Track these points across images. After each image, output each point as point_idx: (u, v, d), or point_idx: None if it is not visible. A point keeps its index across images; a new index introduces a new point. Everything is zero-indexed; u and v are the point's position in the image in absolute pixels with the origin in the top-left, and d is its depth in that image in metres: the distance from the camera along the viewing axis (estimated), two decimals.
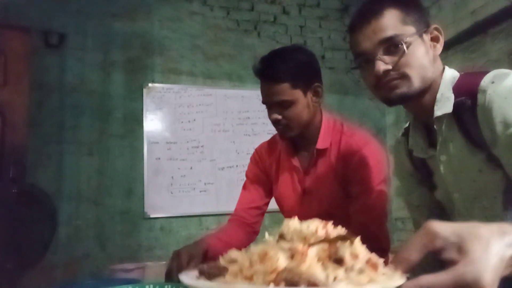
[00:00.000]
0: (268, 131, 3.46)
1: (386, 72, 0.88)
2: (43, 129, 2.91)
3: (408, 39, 0.87)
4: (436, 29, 0.92)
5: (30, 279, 2.54)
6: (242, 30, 3.55)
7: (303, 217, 1.37)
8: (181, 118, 3.27)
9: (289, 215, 1.41)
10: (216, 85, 3.41)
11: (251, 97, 3.46)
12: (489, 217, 0.88)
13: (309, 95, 1.26)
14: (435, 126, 0.91)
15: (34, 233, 2.67)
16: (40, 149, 2.88)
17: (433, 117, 0.90)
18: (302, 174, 1.33)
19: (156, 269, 2.41)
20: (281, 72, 1.21)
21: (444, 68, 0.94)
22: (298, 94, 1.23)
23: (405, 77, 0.88)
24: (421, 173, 1.03)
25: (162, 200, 3.11)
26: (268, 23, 3.64)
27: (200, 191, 3.21)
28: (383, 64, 0.88)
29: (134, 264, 2.41)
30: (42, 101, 2.93)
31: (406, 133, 1.04)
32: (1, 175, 2.52)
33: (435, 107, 0.89)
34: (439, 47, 0.92)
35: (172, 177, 3.18)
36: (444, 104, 0.88)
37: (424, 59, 0.89)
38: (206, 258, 1.35)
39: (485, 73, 0.85)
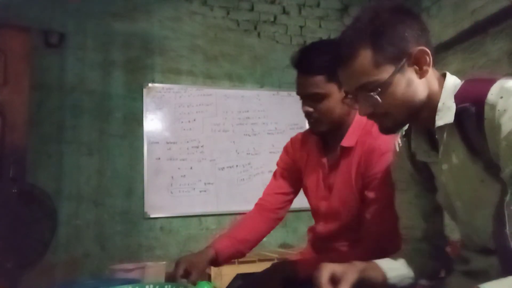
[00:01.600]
0: (268, 131, 3.46)
1: (369, 113, 0.89)
2: (43, 129, 2.91)
3: (383, 82, 0.84)
4: (421, 51, 0.85)
5: (30, 279, 2.54)
6: (242, 30, 3.55)
7: (325, 215, 1.35)
8: (181, 118, 3.27)
9: (314, 211, 1.39)
10: (216, 85, 3.41)
11: (251, 97, 3.46)
12: (491, 226, 0.85)
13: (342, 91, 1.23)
14: (436, 136, 0.90)
15: (34, 233, 2.68)
16: (40, 149, 2.88)
17: (434, 126, 0.88)
18: (327, 171, 1.31)
19: (156, 269, 2.41)
20: (317, 64, 1.19)
21: (445, 74, 0.91)
22: (332, 88, 1.20)
23: (388, 114, 0.88)
24: (422, 176, 1.01)
25: (162, 200, 3.11)
26: (268, 23, 3.64)
27: (200, 191, 3.20)
28: (364, 107, 0.88)
29: (134, 264, 2.40)
30: (42, 101, 2.93)
31: (406, 134, 1.03)
32: (1, 175, 2.52)
33: (437, 117, 0.88)
34: (426, 67, 0.87)
35: (172, 177, 3.18)
36: (446, 114, 0.86)
37: (406, 92, 0.86)
38: (217, 263, 1.36)
39: (489, 81, 0.83)
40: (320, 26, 3.80)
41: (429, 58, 0.86)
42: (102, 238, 2.95)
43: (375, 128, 1.21)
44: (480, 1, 2.55)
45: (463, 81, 0.90)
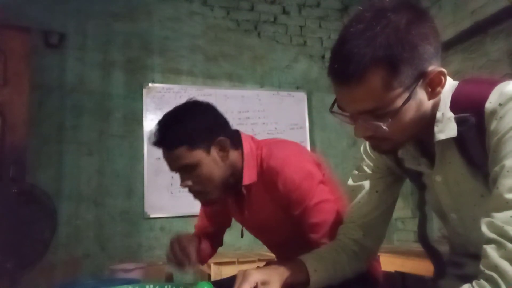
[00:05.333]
0: (268, 131, 3.46)
1: (366, 136, 0.80)
2: (43, 129, 2.91)
3: (393, 110, 0.72)
4: (439, 74, 0.74)
5: (30, 279, 2.54)
6: (242, 30, 3.55)
7: (268, 244, 1.40)
8: None
9: (260, 240, 1.42)
10: (216, 85, 3.41)
11: (251, 97, 3.46)
12: None
13: (214, 151, 1.16)
14: (435, 149, 0.82)
15: (34, 233, 2.67)
16: (40, 149, 2.88)
17: (432, 138, 0.79)
18: (242, 211, 1.28)
19: (156, 269, 2.41)
20: (174, 137, 1.12)
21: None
22: (199, 154, 1.13)
23: (388, 139, 0.79)
24: (407, 173, 0.96)
25: (162, 200, 3.11)
26: (268, 23, 3.64)
27: None
28: (362, 131, 0.78)
29: (134, 264, 2.41)
30: (42, 101, 2.93)
31: None
32: (1, 175, 2.52)
33: (436, 128, 0.78)
34: (440, 89, 0.76)
35: (172, 177, 3.17)
36: (446, 126, 0.77)
37: (415, 118, 0.76)
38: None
39: (487, 85, 0.76)
40: (320, 26, 3.80)
41: (445, 79, 0.75)
42: (102, 238, 2.95)
43: (264, 150, 1.19)
44: (480, 1, 2.55)
45: (458, 83, 0.82)
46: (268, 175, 1.16)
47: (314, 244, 1.10)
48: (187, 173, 1.15)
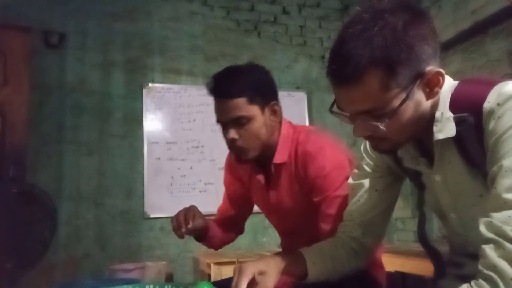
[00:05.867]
0: None
1: (365, 136, 0.81)
2: (43, 129, 2.91)
3: (390, 110, 0.73)
4: (437, 74, 0.74)
5: (30, 279, 2.54)
6: (242, 30, 3.55)
7: (281, 229, 1.38)
8: (181, 118, 3.27)
9: (273, 225, 1.42)
10: None
11: None
12: None
13: (267, 112, 1.20)
14: (434, 149, 0.83)
15: (34, 233, 2.67)
16: (40, 149, 2.88)
17: (431, 138, 0.79)
18: (266, 189, 1.30)
19: (156, 269, 2.40)
20: (237, 86, 1.15)
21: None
22: (255, 110, 1.17)
23: (387, 139, 0.79)
24: (407, 172, 0.96)
25: (162, 200, 3.11)
26: (268, 23, 3.64)
27: (200, 191, 3.21)
28: (361, 131, 0.78)
29: (134, 264, 2.40)
30: (42, 101, 2.93)
31: None
32: (1, 175, 2.52)
33: (435, 128, 0.79)
34: (438, 89, 0.76)
35: (172, 177, 3.18)
36: (445, 126, 0.78)
37: (412, 118, 0.76)
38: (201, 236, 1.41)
39: (486, 85, 0.76)
40: (320, 26, 3.80)
41: (442, 80, 0.76)
42: (102, 238, 2.95)
43: (302, 135, 1.22)
44: (480, 1, 2.55)
45: (457, 83, 0.82)
46: (302, 159, 1.19)
47: (322, 234, 1.12)
48: (238, 126, 1.17)
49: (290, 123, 1.30)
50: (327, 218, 1.13)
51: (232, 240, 1.53)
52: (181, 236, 1.23)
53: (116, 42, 3.18)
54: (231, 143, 1.21)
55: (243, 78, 1.16)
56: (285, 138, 1.24)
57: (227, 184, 1.49)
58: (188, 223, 1.21)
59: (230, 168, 1.45)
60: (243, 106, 1.15)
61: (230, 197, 1.49)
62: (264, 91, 1.20)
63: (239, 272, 0.85)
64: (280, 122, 1.27)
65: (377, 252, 1.22)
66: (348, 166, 1.17)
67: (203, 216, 1.31)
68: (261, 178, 1.29)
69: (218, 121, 1.22)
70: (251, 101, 1.16)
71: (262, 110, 1.19)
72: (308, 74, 3.63)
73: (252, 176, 1.35)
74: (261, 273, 0.86)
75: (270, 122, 1.21)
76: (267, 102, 1.20)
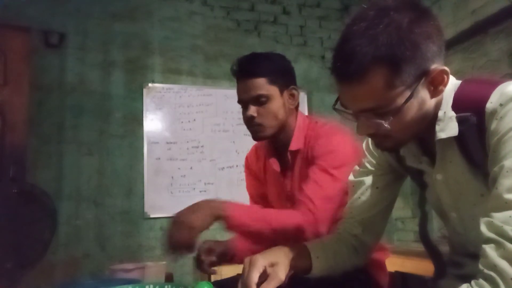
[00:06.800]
0: None
1: (368, 134, 0.81)
2: (43, 129, 2.91)
3: (394, 109, 0.73)
4: (441, 72, 0.75)
5: (30, 279, 2.54)
6: (242, 30, 3.55)
7: None
8: (181, 118, 3.27)
9: None
10: (216, 85, 3.40)
11: None
12: None
13: (286, 95, 1.27)
14: (436, 148, 0.83)
15: (34, 233, 2.67)
16: (40, 149, 2.88)
17: (434, 137, 0.80)
18: (282, 176, 1.33)
19: (156, 269, 2.40)
20: (258, 67, 1.23)
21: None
22: (274, 91, 1.24)
23: (390, 136, 0.79)
24: (408, 171, 0.96)
25: (162, 200, 3.11)
26: (268, 23, 3.64)
27: (200, 191, 3.21)
28: (365, 129, 0.78)
29: (134, 264, 2.40)
30: (42, 101, 2.93)
31: None
32: (1, 175, 2.52)
33: (437, 127, 0.79)
34: (442, 88, 0.76)
35: (172, 177, 3.18)
36: (448, 125, 0.78)
37: (416, 116, 0.76)
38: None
39: (489, 85, 0.76)
40: (320, 26, 3.79)
41: (447, 78, 0.76)
42: (102, 238, 2.95)
43: (319, 123, 1.27)
44: (480, 1, 2.55)
45: (460, 83, 0.83)
46: (313, 140, 1.24)
47: (297, 202, 1.15)
48: (257, 104, 1.24)
49: (306, 115, 1.37)
50: (312, 183, 1.17)
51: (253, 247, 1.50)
52: (213, 272, 1.33)
53: (116, 42, 3.18)
54: (250, 120, 1.26)
55: (265, 61, 1.25)
56: (300, 127, 1.30)
57: (248, 187, 1.53)
58: (211, 265, 1.30)
59: (249, 168, 1.51)
60: (264, 85, 1.23)
61: (253, 199, 1.52)
62: (284, 75, 1.28)
63: (249, 264, 0.84)
64: (297, 108, 1.33)
65: (382, 255, 1.22)
66: (355, 158, 1.16)
67: (218, 243, 1.35)
68: (276, 166, 1.33)
69: (239, 101, 1.28)
70: (271, 81, 1.23)
71: (281, 92, 1.26)
72: (308, 74, 3.63)
73: (267, 168, 1.39)
74: (272, 265, 0.85)
75: (288, 104, 1.28)
76: (286, 85, 1.27)
